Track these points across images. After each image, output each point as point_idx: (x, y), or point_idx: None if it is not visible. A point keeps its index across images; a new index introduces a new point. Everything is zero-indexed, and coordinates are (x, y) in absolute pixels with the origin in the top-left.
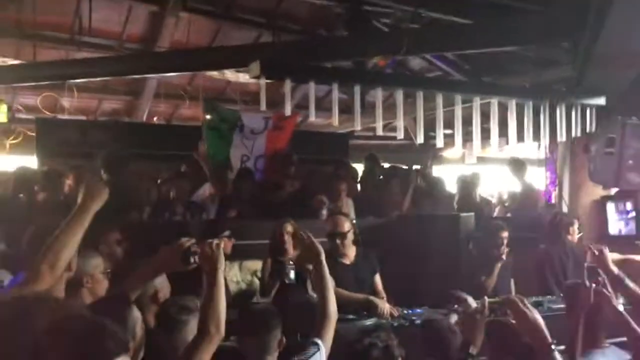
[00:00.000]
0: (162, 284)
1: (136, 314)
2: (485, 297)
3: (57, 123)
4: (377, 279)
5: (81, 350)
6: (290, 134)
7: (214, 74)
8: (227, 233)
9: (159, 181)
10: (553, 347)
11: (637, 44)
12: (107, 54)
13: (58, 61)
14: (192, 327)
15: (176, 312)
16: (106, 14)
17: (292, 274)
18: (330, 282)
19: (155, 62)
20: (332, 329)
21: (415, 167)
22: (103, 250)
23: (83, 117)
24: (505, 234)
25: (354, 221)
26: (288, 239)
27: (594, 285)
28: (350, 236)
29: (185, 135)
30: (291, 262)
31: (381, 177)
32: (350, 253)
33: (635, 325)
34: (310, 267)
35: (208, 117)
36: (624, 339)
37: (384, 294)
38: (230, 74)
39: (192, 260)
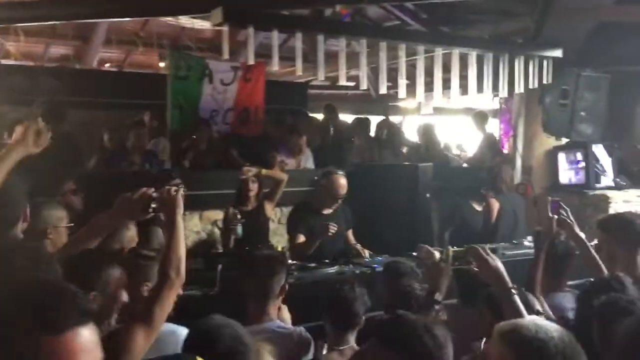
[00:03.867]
0: (129, 240)
1: (111, 270)
2: (449, 247)
3: (2, 68)
4: (350, 233)
5: (33, 320)
6: (263, 87)
7: (168, 18)
8: (177, 181)
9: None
10: (513, 291)
11: None
12: None
13: (2, 3)
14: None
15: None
16: None
17: (239, 229)
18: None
19: (105, 6)
20: None
21: (379, 118)
22: (59, 202)
23: (30, 63)
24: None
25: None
26: (252, 185)
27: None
28: None
29: (139, 83)
30: (239, 217)
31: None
32: (331, 205)
33: (594, 252)
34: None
35: (171, 65)
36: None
37: (358, 245)
38: (185, 20)
39: (151, 208)
